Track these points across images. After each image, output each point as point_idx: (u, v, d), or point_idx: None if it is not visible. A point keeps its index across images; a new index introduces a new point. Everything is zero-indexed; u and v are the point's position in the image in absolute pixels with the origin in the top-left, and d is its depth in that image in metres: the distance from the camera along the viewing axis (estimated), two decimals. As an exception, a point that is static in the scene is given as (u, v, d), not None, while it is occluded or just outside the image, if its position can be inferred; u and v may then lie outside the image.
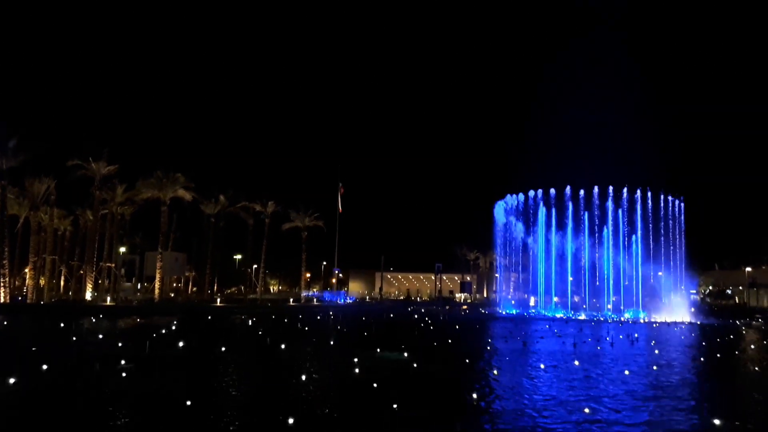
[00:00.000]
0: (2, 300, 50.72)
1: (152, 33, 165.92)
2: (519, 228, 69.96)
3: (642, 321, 55.53)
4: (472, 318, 53.90)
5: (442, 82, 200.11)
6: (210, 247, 74.60)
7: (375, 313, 57.24)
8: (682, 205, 65.33)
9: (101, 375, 16.78)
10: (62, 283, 76.49)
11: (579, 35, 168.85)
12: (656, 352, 27.41)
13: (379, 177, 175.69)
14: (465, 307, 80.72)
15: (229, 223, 79.41)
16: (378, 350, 22.84)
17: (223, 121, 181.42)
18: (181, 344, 23.96)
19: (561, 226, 65.59)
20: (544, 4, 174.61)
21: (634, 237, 62.92)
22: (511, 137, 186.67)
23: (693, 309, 61.10)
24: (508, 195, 71.27)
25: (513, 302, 72.97)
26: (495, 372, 19.50)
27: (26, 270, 64.84)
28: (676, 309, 59.01)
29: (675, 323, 52.40)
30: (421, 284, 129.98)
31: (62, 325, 32.89)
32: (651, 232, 63.87)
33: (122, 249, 71.65)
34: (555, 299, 66.46)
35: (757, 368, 22.02)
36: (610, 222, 63.59)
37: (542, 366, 20.85)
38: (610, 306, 62.92)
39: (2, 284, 51.13)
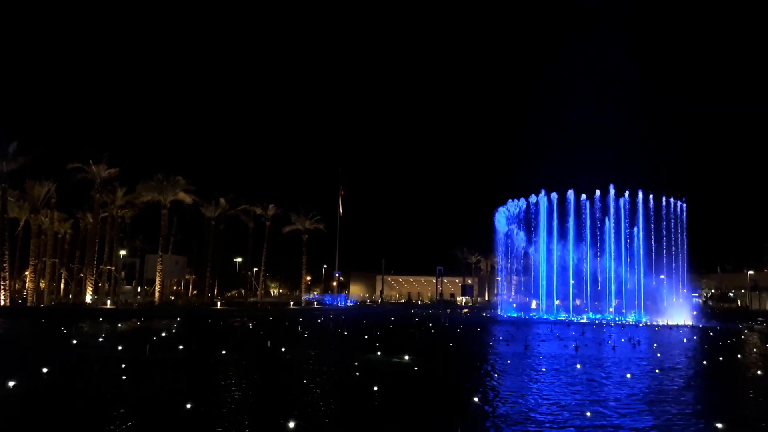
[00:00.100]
0: (2, 303, 50.65)
1: (153, 36, 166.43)
2: (521, 237, 69.88)
3: (644, 324, 55.37)
4: (474, 321, 53.77)
5: (442, 81, 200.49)
6: (210, 250, 74.50)
7: (376, 316, 57.11)
8: (684, 206, 65.21)
9: (101, 377, 16.70)
10: (62, 286, 76.47)
11: (579, 35, 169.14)
12: (658, 355, 27.28)
13: (380, 179, 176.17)
14: (466, 310, 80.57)
15: (229, 226, 79.37)
16: (379, 353, 22.73)
17: (223, 124, 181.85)
18: (181, 347, 23.87)
19: (562, 230, 65.41)
20: (544, 4, 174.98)
21: (636, 240, 62.77)
22: (511, 138, 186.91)
23: (695, 312, 60.87)
24: (510, 200, 71.06)
25: (514, 305, 72.79)
26: (497, 375, 19.40)
27: (26, 273, 64.78)
28: (678, 312, 58.84)
29: (677, 326, 52.28)
30: (422, 287, 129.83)
31: (62, 327, 32.82)
32: (653, 235, 63.76)
33: (122, 252, 71.60)
34: (557, 302, 66.30)
35: (759, 372, 21.89)
36: (611, 225, 63.44)
37: (544, 369, 20.74)
38: (611, 309, 62.76)
39: (2, 287, 51.09)
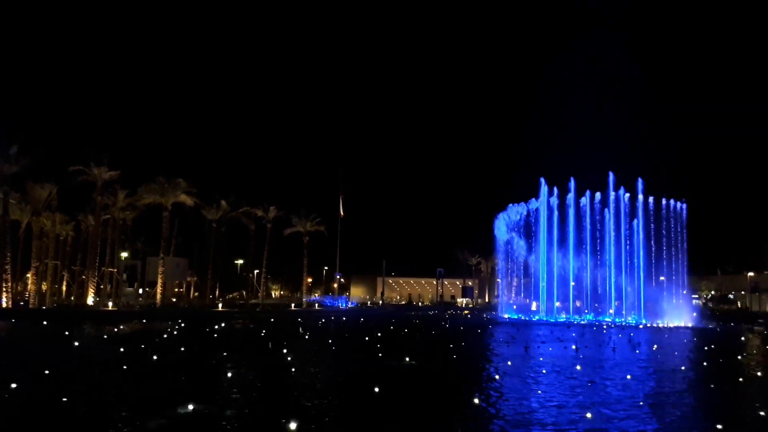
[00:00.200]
0: (5, 305, 50.76)
1: (154, 38, 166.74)
2: (521, 245, 70.01)
3: (644, 326, 55.39)
4: (474, 322, 53.79)
5: (441, 81, 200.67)
6: (212, 252, 74.62)
7: (376, 317, 57.15)
8: (684, 206, 65.22)
9: (103, 379, 16.77)
10: (64, 288, 76.60)
11: (579, 35, 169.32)
12: (659, 357, 27.31)
13: (381, 181, 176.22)
14: (467, 311, 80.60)
15: (230, 228, 79.56)
16: (380, 355, 22.80)
17: (224, 126, 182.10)
18: (182, 349, 23.94)
19: (562, 233, 65.33)
20: (544, 4, 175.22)
21: (636, 241, 62.76)
22: (511, 138, 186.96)
23: (695, 314, 60.85)
24: (510, 205, 70.98)
25: (515, 307, 72.83)
26: (497, 376, 19.44)
27: (28, 275, 64.95)
28: (678, 313, 58.85)
29: (677, 328, 52.29)
30: (422, 289, 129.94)
31: (64, 329, 32.89)
32: (653, 236, 63.76)
33: (124, 254, 71.73)
34: (557, 304, 66.34)
35: (759, 373, 21.93)
36: (611, 226, 63.41)
37: (545, 371, 20.77)
38: (611, 311, 62.77)
39: (5, 289, 51.21)
